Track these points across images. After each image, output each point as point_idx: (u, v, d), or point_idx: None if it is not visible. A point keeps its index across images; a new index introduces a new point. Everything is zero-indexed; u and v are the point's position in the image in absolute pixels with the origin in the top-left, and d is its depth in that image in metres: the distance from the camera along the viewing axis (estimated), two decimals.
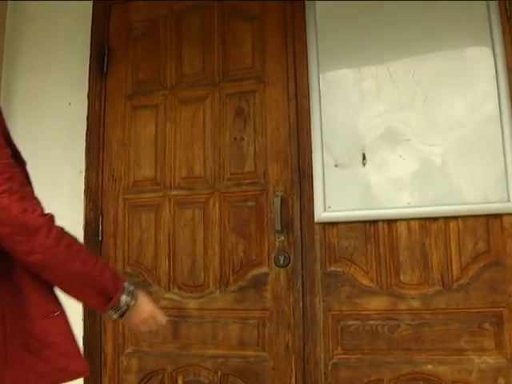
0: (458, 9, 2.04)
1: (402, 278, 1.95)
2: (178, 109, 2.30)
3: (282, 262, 2.04)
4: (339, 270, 2.01)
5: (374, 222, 2.00)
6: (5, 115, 1.19)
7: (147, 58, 2.37)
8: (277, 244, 2.07)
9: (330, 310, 1.99)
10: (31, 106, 2.46)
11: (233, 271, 2.11)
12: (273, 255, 2.06)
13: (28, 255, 1.09)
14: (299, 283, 2.03)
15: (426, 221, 1.96)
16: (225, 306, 2.09)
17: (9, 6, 2.57)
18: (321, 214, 2.05)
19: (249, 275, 2.09)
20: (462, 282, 1.89)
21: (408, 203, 1.98)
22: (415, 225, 1.97)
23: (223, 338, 2.07)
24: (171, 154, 2.26)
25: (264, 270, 2.08)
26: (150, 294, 2.18)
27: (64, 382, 1.14)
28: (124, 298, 1.18)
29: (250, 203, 2.13)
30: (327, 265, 2.02)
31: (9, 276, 1.14)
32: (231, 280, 2.11)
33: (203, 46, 2.32)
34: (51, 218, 1.13)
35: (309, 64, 2.18)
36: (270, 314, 2.04)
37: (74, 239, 1.18)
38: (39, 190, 1.19)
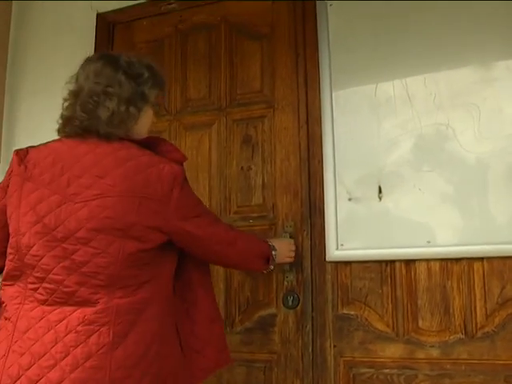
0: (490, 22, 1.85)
1: (420, 323, 1.79)
2: (182, 135, 2.18)
3: (290, 303, 1.91)
4: (352, 313, 1.86)
5: (390, 262, 1.85)
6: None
7: None
8: (285, 283, 1.94)
9: (341, 356, 1.85)
10: (34, 132, 2.35)
11: (239, 311, 1.99)
12: (281, 295, 1.93)
13: (227, 259, 1.49)
14: (309, 326, 1.90)
15: (448, 262, 1.79)
16: (230, 347, 1.94)
17: (11, 33, 2.50)
18: (333, 252, 1.91)
19: (255, 316, 1.96)
20: (486, 330, 1.72)
21: (428, 242, 1.82)
22: (436, 266, 1.80)
23: (228, 382, 1.96)
24: None
25: (272, 310, 1.95)
26: None
27: (215, 371, 1.45)
28: (274, 253, 1.57)
29: None
30: (339, 307, 1.88)
31: (181, 292, 1.38)
32: (237, 321, 1.99)
33: (209, 68, 2.19)
34: (232, 226, 1.54)
35: (321, 86, 2.03)
36: (278, 358, 1.92)
37: (241, 231, 1.60)
38: None
